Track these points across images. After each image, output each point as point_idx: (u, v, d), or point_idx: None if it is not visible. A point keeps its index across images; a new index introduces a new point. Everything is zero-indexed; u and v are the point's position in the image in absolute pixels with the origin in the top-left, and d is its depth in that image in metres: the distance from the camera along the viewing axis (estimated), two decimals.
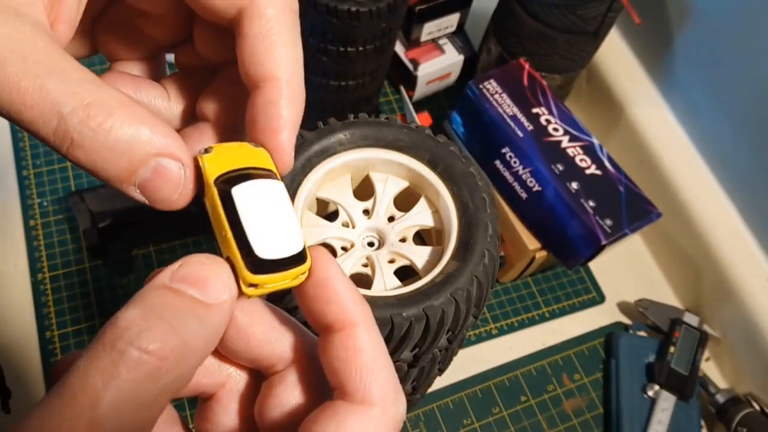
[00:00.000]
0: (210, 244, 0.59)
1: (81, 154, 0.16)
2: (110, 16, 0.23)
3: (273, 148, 0.20)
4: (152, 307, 0.15)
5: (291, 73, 0.19)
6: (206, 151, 0.19)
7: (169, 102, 0.23)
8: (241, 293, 0.18)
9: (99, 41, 0.23)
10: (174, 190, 0.18)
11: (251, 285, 0.18)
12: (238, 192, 0.19)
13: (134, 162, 0.16)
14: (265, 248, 0.18)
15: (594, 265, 0.66)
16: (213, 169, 0.19)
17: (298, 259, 0.19)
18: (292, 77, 0.19)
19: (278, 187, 0.20)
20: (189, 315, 0.16)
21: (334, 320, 0.18)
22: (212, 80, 0.23)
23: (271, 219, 0.19)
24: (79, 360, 0.15)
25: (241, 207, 0.18)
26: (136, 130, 0.16)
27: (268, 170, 0.20)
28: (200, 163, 0.19)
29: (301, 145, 0.35)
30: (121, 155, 0.16)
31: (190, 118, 0.23)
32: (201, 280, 0.16)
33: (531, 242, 0.56)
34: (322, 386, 0.20)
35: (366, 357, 0.18)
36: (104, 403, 0.14)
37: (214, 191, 0.19)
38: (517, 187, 0.55)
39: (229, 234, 0.18)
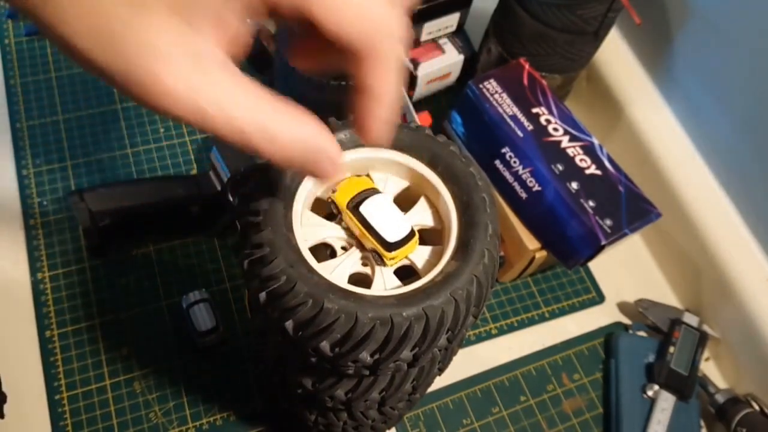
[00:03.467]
0: (209, 245, 0.59)
1: (257, 155, 0.23)
2: None
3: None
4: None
5: (393, 92, 0.26)
6: (334, 191, 0.33)
7: None
8: (386, 264, 0.33)
9: None
10: (327, 173, 0.26)
11: (390, 259, 0.32)
12: (364, 208, 0.33)
13: (298, 160, 0.24)
14: (391, 236, 0.32)
15: (594, 265, 0.66)
16: (341, 201, 0.33)
17: (410, 236, 0.33)
18: (392, 96, 0.26)
19: (384, 197, 0.33)
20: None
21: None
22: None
23: (387, 217, 0.32)
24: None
25: (370, 217, 0.32)
26: (301, 141, 0.24)
27: (373, 189, 0.34)
28: (334, 200, 0.34)
29: None
30: (288, 156, 0.24)
31: None
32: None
33: (531, 242, 0.56)
34: None
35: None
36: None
37: (350, 213, 0.33)
38: (517, 187, 0.56)
39: (368, 235, 0.32)
